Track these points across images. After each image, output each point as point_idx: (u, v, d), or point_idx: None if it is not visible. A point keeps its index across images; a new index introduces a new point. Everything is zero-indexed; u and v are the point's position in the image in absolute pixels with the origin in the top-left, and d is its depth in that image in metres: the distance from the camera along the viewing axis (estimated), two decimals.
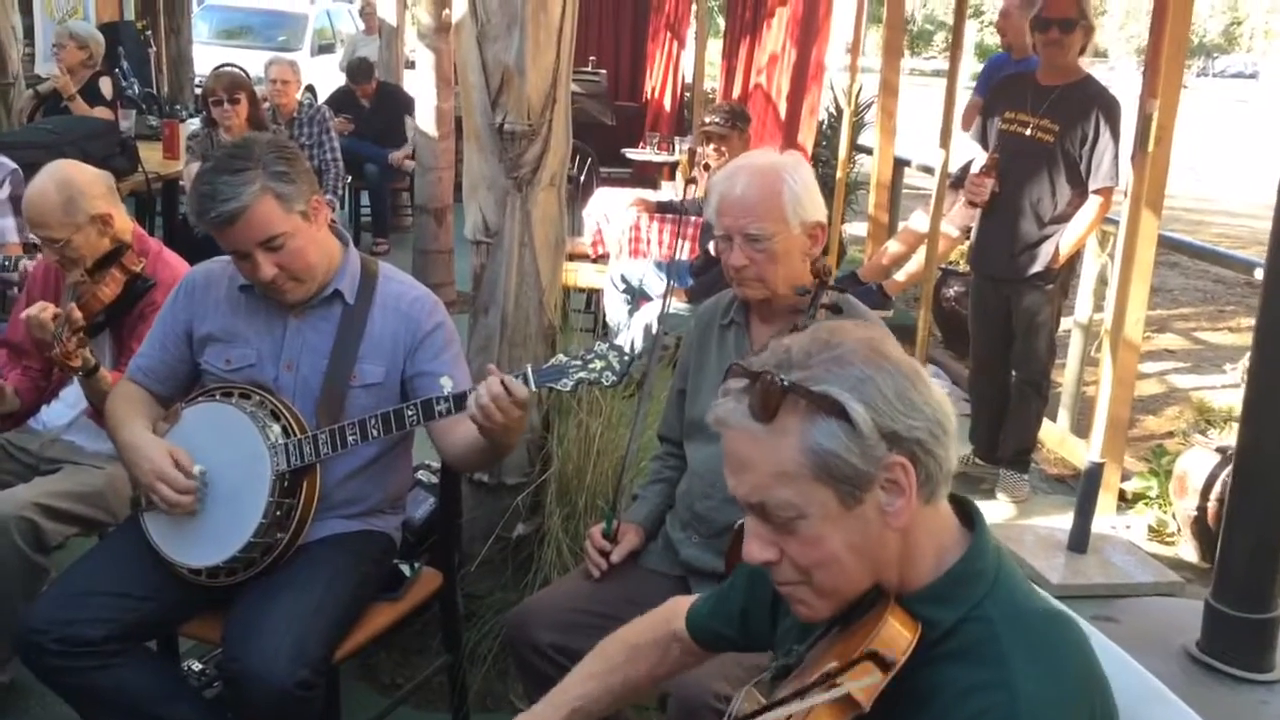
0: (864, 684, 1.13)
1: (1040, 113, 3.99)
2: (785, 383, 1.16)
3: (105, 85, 6.60)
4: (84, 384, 2.55)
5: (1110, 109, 3.93)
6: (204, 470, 2.18)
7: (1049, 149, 3.97)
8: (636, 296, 5.10)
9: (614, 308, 5.14)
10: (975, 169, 4.14)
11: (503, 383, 2.04)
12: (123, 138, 5.62)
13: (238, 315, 2.32)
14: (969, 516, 1.29)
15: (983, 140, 4.25)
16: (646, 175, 8.58)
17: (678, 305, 4.44)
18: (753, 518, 1.22)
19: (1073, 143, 3.94)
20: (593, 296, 5.63)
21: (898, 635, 1.17)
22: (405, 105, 8.05)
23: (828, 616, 1.24)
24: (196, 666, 2.68)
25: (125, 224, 2.77)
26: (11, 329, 2.89)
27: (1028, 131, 4.02)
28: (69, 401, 2.80)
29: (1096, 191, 3.96)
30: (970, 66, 6.65)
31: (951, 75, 5.18)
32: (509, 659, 2.76)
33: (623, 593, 2.27)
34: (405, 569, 2.48)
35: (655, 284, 4.99)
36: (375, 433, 2.17)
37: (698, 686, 1.94)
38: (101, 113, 6.23)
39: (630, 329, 4.74)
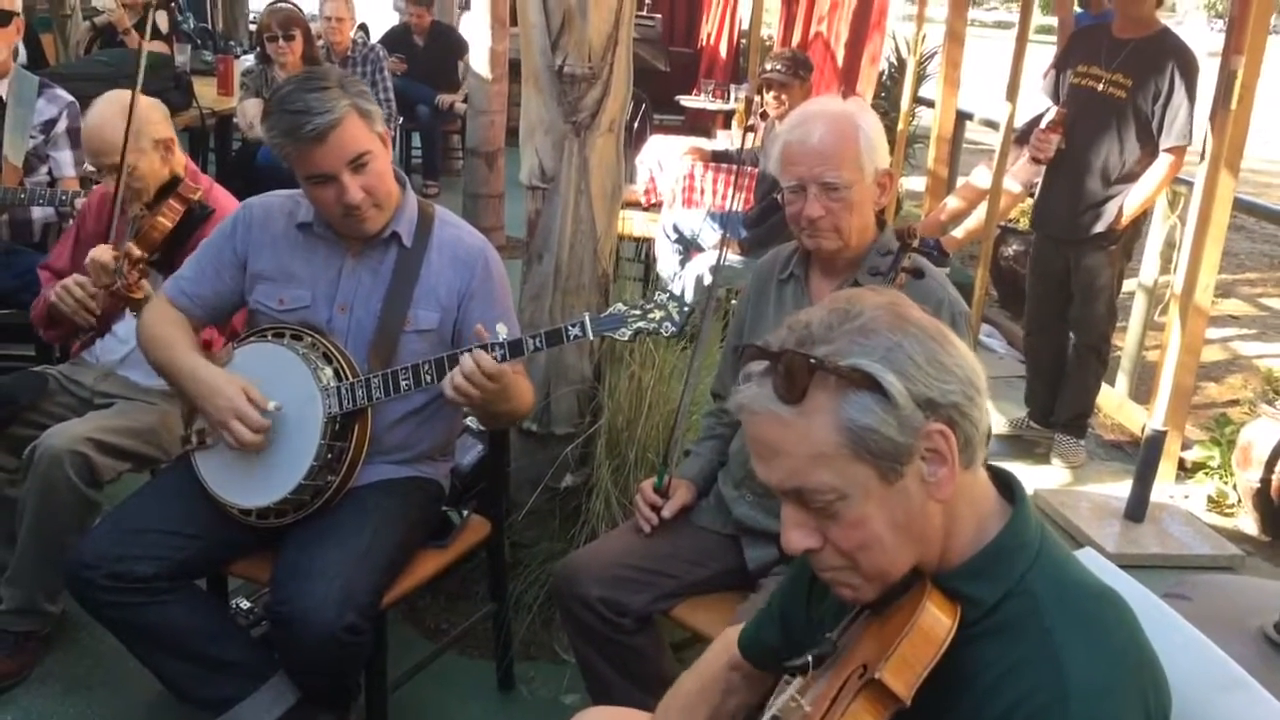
0: (902, 674, 1.08)
1: (1114, 67, 3.84)
2: (812, 360, 1.10)
3: (161, 19, 6.58)
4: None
5: (1187, 64, 3.77)
6: (279, 406, 2.15)
7: (1120, 105, 3.82)
8: (689, 247, 5.02)
9: (665, 258, 5.08)
10: (1044, 124, 3.99)
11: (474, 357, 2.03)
12: (178, 73, 5.61)
13: (294, 255, 2.28)
14: (1008, 488, 1.23)
15: (1054, 94, 4.10)
16: (700, 123, 8.45)
17: (731, 258, 4.36)
18: (790, 505, 1.16)
19: (1145, 98, 3.79)
20: (643, 246, 5.56)
21: (936, 622, 1.11)
22: (458, 48, 7.98)
23: (873, 599, 1.18)
24: (245, 605, 2.70)
25: (180, 157, 2.76)
26: (56, 257, 2.89)
27: (1100, 86, 3.87)
28: (121, 336, 2.79)
29: (1168, 150, 3.81)
30: (1038, 19, 6.41)
31: (1023, 25, 5.01)
32: (554, 609, 2.75)
33: (673, 549, 2.24)
34: (453, 516, 2.46)
35: (708, 235, 4.92)
36: (429, 378, 2.13)
37: None
38: (157, 47, 6.21)
39: (682, 280, 4.67)
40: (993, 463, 1.23)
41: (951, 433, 1.11)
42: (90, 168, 2.70)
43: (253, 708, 2.18)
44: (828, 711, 1.11)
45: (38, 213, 3.52)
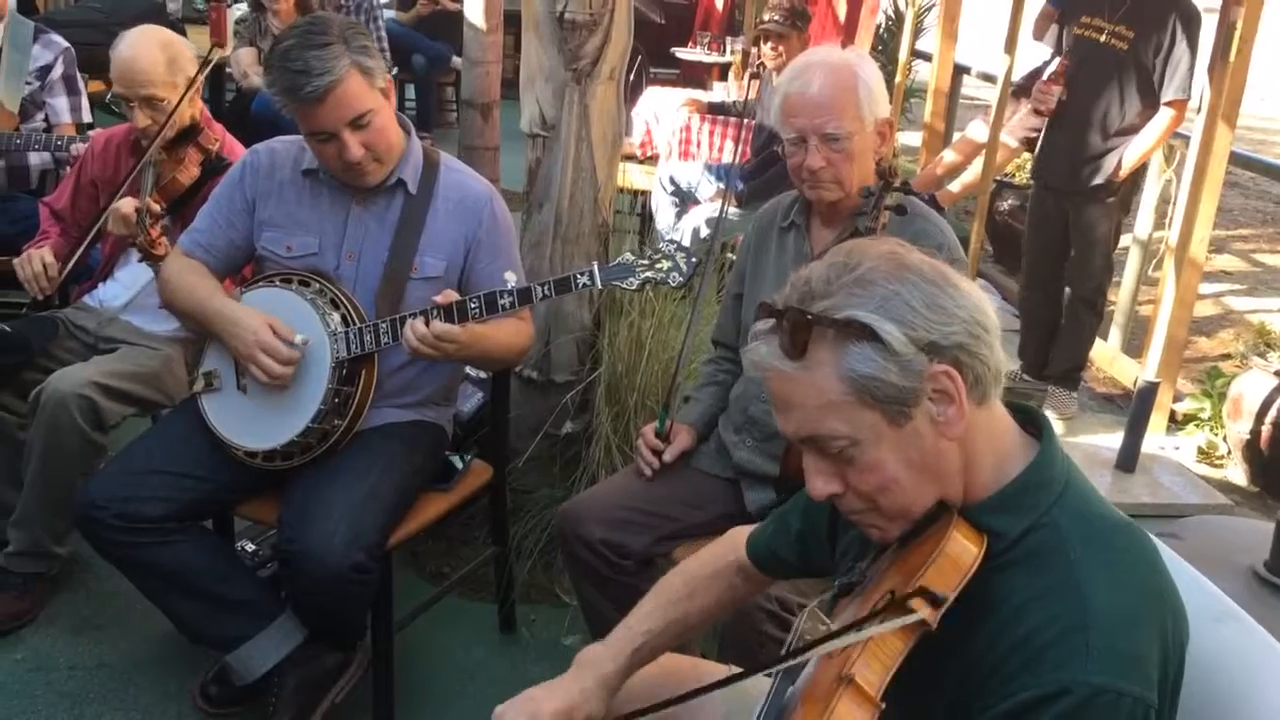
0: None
1: (1116, 19, 3.83)
2: (809, 315, 1.13)
3: None
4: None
5: (1189, 18, 3.77)
6: (306, 339, 2.16)
7: (1122, 57, 3.82)
8: (685, 200, 5.02)
9: (662, 210, 5.07)
10: (1046, 76, 3.99)
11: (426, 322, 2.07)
12: (170, 20, 5.55)
13: (301, 201, 2.29)
14: (1037, 427, 1.26)
15: (1058, 46, 4.09)
16: (694, 76, 8.38)
17: (729, 210, 4.36)
18: (809, 453, 1.20)
19: (1147, 51, 3.78)
20: (639, 198, 5.56)
21: (963, 550, 1.14)
22: None
23: (899, 535, 1.21)
24: (250, 547, 2.74)
25: (197, 101, 2.76)
26: (56, 198, 2.90)
27: (1102, 38, 3.86)
28: (124, 282, 2.81)
29: (1168, 104, 3.82)
30: None
31: None
32: (554, 553, 2.81)
33: (674, 492, 2.28)
34: (456, 461, 2.49)
35: (705, 187, 4.91)
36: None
37: None
38: None
39: (679, 232, 4.68)
40: (1021, 402, 1.25)
41: (957, 373, 1.13)
42: (122, 95, 2.66)
43: (261, 646, 2.23)
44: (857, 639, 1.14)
45: (35, 159, 3.52)
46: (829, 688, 1.10)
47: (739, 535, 1.59)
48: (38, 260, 2.65)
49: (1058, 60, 3.99)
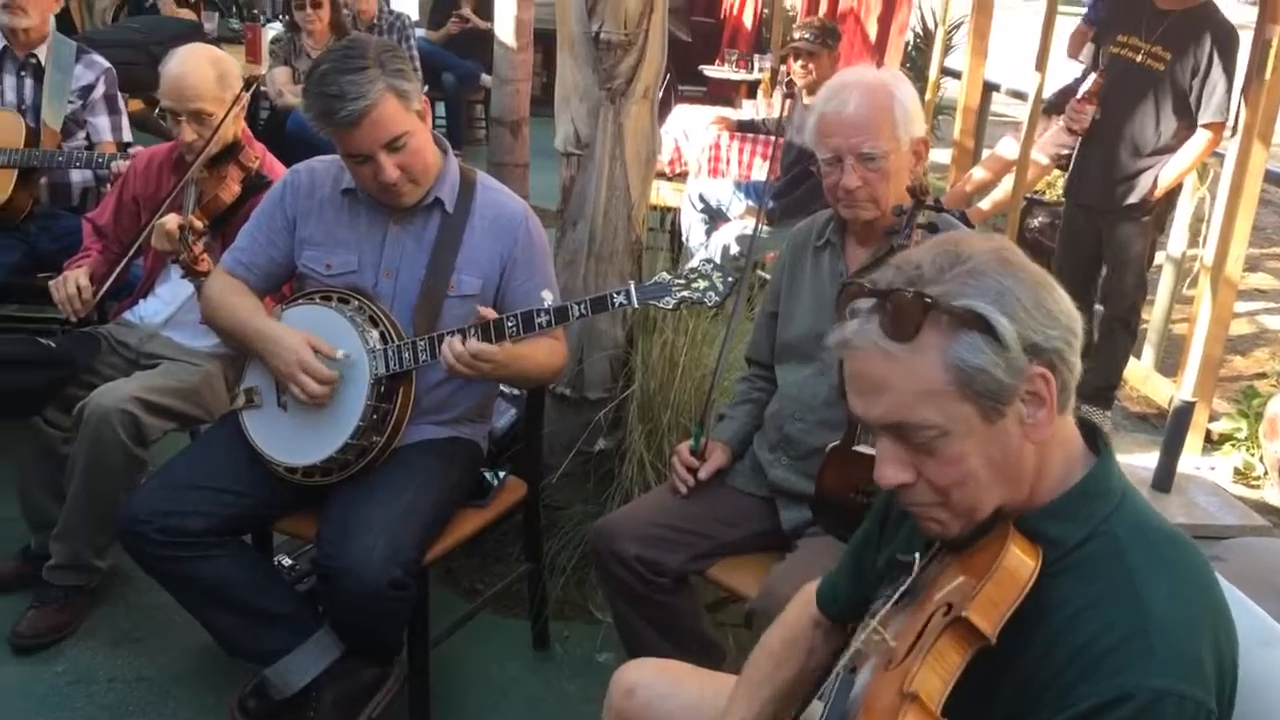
0: (988, 613, 1.11)
1: (1153, 39, 3.81)
2: (927, 298, 1.13)
3: None
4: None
5: (1226, 40, 3.73)
6: (346, 354, 2.18)
7: (1159, 77, 3.79)
8: (715, 217, 5.03)
9: (691, 227, 5.09)
10: (1080, 94, 3.98)
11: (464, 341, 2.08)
12: (207, 40, 5.62)
13: (340, 220, 2.32)
14: (1094, 438, 1.26)
15: (1094, 64, 4.07)
16: (721, 94, 8.40)
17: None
18: (888, 439, 1.19)
19: (1184, 72, 3.75)
20: (668, 215, 5.57)
21: (1020, 564, 1.15)
22: None
23: (957, 535, 1.21)
24: (287, 562, 2.76)
25: (240, 120, 2.81)
26: (99, 213, 2.94)
27: (1138, 58, 3.83)
28: (165, 299, 2.85)
29: (1205, 126, 3.79)
30: None
31: None
32: (588, 569, 2.81)
33: (709, 510, 2.28)
34: (490, 477, 2.51)
35: (735, 205, 4.93)
36: None
37: (782, 596, 1.94)
38: (186, 14, 6.24)
39: (708, 249, 4.69)
40: (1083, 416, 1.26)
41: (1052, 376, 1.14)
42: (171, 110, 2.71)
43: (299, 660, 2.24)
44: (913, 646, 1.15)
45: (76, 176, 3.57)
46: (891, 703, 1.10)
47: (809, 590, 1.58)
48: (73, 282, 2.69)
49: (1092, 78, 3.98)
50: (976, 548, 1.20)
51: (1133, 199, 3.91)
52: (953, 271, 1.15)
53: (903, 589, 1.26)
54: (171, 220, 2.55)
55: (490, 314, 2.13)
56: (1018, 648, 1.14)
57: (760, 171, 5.32)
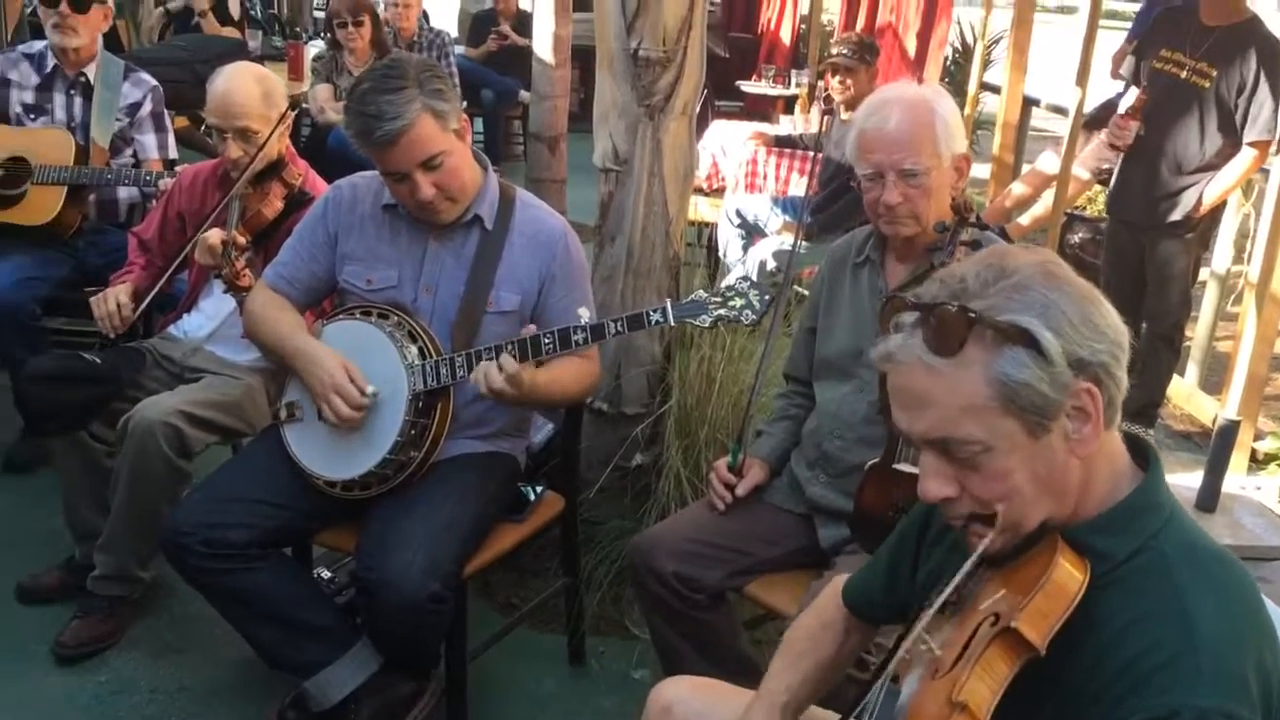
0: (1037, 625, 1.11)
1: (1199, 54, 3.76)
2: (972, 313, 1.12)
3: (232, 5, 6.71)
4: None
5: (1272, 56, 3.67)
6: (376, 391, 2.21)
7: (1203, 94, 3.74)
8: (752, 232, 5.03)
9: (729, 243, 5.09)
10: (1123, 108, 3.94)
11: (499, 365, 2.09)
12: (251, 58, 5.71)
13: (381, 236, 2.34)
14: (1143, 454, 1.25)
15: (1135, 78, 4.03)
16: (758, 109, 8.42)
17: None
18: (931, 454, 1.19)
19: (1229, 89, 3.70)
20: (704, 230, 5.58)
21: (1069, 578, 1.14)
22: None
23: (1002, 548, 1.20)
24: (325, 574, 2.77)
25: (285, 138, 2.85)
26: (145, 228, 2.99)
27: (1183, 74, 3.79)
28: (208, 313, 2.88)
29: (1251, 144, 3.73)
30: (1107, 3, 6.31)
31: (1094, 9, 4.94)
32: (624, 585, 2.81)
33: (747, 527, 2.27)
34: (528, 492, 2.52)
35: (772, 220, 4.92)
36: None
37: None
38: (230, 32, 6.34)
39: (745, 265, 4.69)
40: (1130, 431, 1.26)
41: (1098, 391, 1.14)
42: (217, 127, 2.76)
43: (338, 673, 2.26)
44: (961, 655, 1.15)
45: (123, 193, 3.62)
46: (940, 711, 1.11)
47: (839, 582, 1.58)
48: (112, 299, 2.75)
49: (1134, 93, 3.93)
50: (1022, 560, 1.20)
51: (1176, 216, 3.86)
52: (997, 286, 1.14)
53: (946, 597, 1.26)
54: (215, 235, 2.59)
55: (532, 329, 2.14)
56: (1066, 659, 1.14)
57: (797, 186, 5.32)
